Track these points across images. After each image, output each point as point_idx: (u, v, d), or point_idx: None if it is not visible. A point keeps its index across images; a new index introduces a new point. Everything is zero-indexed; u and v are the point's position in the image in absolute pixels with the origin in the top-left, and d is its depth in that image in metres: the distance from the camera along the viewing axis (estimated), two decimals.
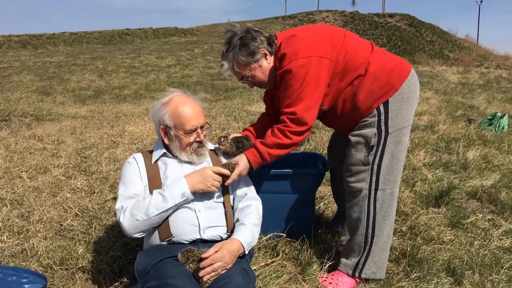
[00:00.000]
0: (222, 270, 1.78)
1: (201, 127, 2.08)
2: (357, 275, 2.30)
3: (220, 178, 2.01)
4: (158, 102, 2.12)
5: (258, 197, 2.20)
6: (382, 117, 2.12)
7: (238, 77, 2.24)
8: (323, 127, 5.27)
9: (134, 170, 2.07)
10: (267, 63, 2.19)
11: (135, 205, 1.92)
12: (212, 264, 1.75)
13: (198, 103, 2.12)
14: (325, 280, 2.31)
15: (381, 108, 2.12)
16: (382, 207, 2.21)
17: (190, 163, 2.10)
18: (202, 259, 1.76)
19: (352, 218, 2.29)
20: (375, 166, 2.17)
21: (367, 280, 2.33)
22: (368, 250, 2.27)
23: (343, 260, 2.36)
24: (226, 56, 2.19)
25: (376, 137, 2.14)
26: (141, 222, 1.90)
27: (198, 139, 2.06)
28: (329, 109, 2.23)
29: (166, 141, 2.09)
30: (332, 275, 2.34)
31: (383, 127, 2.13)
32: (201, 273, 1.74)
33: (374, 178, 2.18)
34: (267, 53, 2.17)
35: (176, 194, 1.92)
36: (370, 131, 2.14)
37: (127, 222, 1.91)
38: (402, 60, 2.23)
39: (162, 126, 2.07)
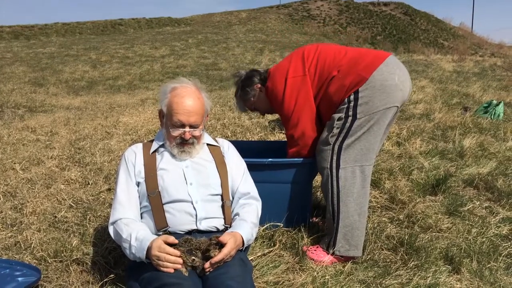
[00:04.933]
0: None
1: (192, 126, 2.00)
2: (331, 252, 2.40)
3: (170, 257, 1.71)
4: (168, 84, 2.08)
5: (259, 198, 2.19)
6: (352, 104, 2.29)
7: (248, 109, 2.78)
8: None
9: (129, 169, 2.04)
10: (263, 95, 2.63)
11: (118, 227, 1.92)
12: (223, 258, 1.75)
13: (203, 101, 2.04)
14: (308, 250, 2.47)
15: (352, 97, 2.29)
16: (344, 185, 2.34)
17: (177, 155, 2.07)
18: (208, 247, 1.77)
19: (324, 197, 2.48)
20: (336, 147, 2.33)
21: (365, 268, 2.32)
22: (336, 227, 2.39)
23: (324, 237, 2.52)
24: (236, 96, 2.75)
25: (341, 121, 2.32)
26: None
27: (182, 136, 2.00)
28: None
29: (160, 125, 2.11)
30: (316, 247, 2.48)
31: (350, 113, 2.29)
32: (206, 266, 1.73)
33: (334, 157, 2.34)
34: (261, 86, 2.63)
35: (136, 256, 1.80)
36: (338, 116, 2.33)
37: (114, 236, 1.96)
38: (377, 53, 2.41)
39: (159, 109, 2.08)
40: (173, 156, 2.06)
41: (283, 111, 2.49)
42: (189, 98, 1.99)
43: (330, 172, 2.36)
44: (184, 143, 2.02)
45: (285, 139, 2.66)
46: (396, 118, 2.53)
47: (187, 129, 1.99)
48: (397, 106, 2.35)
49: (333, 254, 2.40)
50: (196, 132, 2.03)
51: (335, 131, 2.33)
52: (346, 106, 2.30)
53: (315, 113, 2.47)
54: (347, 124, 2.30)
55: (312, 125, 2.48)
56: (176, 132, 2.00)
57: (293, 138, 2.52)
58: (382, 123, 2.33)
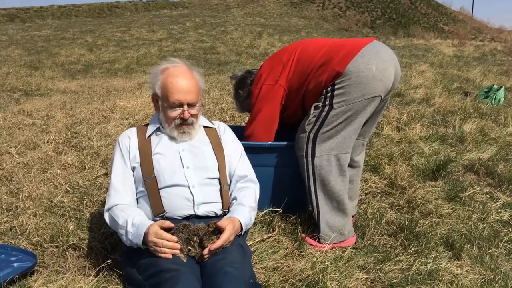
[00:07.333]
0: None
1: (189, 105, 1.97)
2: (318, 240, 2.41)
3: (167, 243, 1.69)
4: (158, 66, 2.04)
5: (257, 181, 2.16)
6: (329, 95, 2.29)
7: (245, 110, 2.81)
8: None
9: (124, 154, 2.01)
10: None
11: (113, 213, 1.90)
12: (222, 245, 1.73)
13: (197, 80, 2.02)
14: (308, 236, 2.47)
15: (329, 88, 2.30)
16: (320, 173, 2.36)
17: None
18: (203, 237, 1.73)
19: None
20: (311, 135, 2.34)
21: (365, 254, 2.30)
22: (318, 215, 2.42)
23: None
24: (234, 98, 2.84)
25: (318, 110, 2.32)
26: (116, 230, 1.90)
27: (181, 116, 1.97)
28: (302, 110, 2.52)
29: (155, 109, 2.06)
30: (313, 235, 2.47)
31: (327, 102, 2.29)
32: (205, 252, 1.71)
33: (310, 145, 2.35)
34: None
35: (132, 242, 1.78)
36: (315, 104, 2.35)
37: (109, 223, 1.95)
38: (355, 43, 2.34)
39: (153, 93, 2.03)
40: (171, 138, 2.03)
41: (251, 113, 2.59)
42: (183, 76, 1.97)
43: (306, 160, 2.37)
44: (183, 124, 1.99)
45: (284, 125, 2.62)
46: (388, 105, 2.48)
47: (185, 108, 1.97)
48: (381, 96, 2.29)
49: (319, 242, 2.40)
50: (194, 111, 2.00)
51: (312, 119, 2.34)
52: (324, 96, 2.31)
53: (275, 123, 2.52)
54: (323, 113, 2.30)
55: (264, 130, 2.52)
56: (174, 113, 1.97)
57: (244, 135, 2.56)
58: (363, 113, 2.30)
